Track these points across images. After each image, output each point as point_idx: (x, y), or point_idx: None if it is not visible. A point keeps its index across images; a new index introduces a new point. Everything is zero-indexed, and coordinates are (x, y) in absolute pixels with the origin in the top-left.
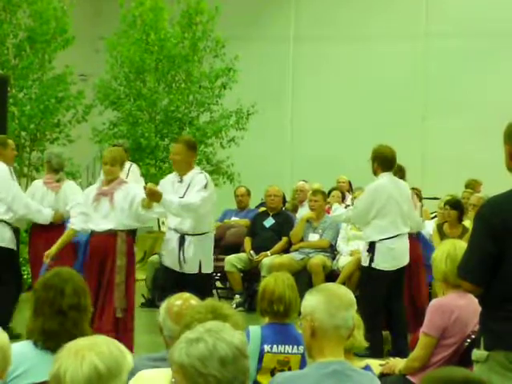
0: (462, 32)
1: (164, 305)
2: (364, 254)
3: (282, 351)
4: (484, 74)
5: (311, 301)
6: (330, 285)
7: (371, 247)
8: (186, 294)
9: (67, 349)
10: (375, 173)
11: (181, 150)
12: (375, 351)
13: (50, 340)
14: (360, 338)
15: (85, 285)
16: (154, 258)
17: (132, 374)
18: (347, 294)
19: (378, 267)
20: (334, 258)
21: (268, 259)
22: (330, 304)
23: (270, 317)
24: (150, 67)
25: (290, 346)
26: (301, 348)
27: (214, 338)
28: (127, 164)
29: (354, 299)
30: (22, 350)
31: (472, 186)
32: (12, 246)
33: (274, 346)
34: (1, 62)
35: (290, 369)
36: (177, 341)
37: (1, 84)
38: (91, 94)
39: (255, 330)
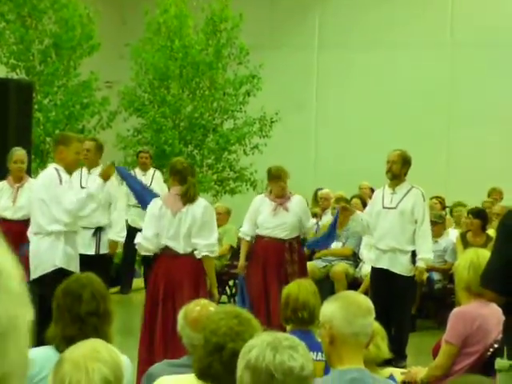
0: (487, 41)
1: (182, 313)
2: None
3: None
4: (510, 83)
5: (329, 308)
6: (348, 292)
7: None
8: (204, 301)
9: (69, 361)
10: (399, 175)
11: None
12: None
13: (71, 345)
14: (384, 349)
15: (105, 289)
16: None
17: (153, 379)
18: (365, 302)
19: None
20: (356, 266)
21: None
22: (348, 311)
23: (294, 324)
24: (174, 74)
25: (314, 353)
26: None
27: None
28: (151, 170)
29: (373, 306)
30: (46, 354)
31: (494, 194)
32: None
33: None
34: (26, 68)
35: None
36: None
37: (26, 90)
38: (116, 101)
39: None
